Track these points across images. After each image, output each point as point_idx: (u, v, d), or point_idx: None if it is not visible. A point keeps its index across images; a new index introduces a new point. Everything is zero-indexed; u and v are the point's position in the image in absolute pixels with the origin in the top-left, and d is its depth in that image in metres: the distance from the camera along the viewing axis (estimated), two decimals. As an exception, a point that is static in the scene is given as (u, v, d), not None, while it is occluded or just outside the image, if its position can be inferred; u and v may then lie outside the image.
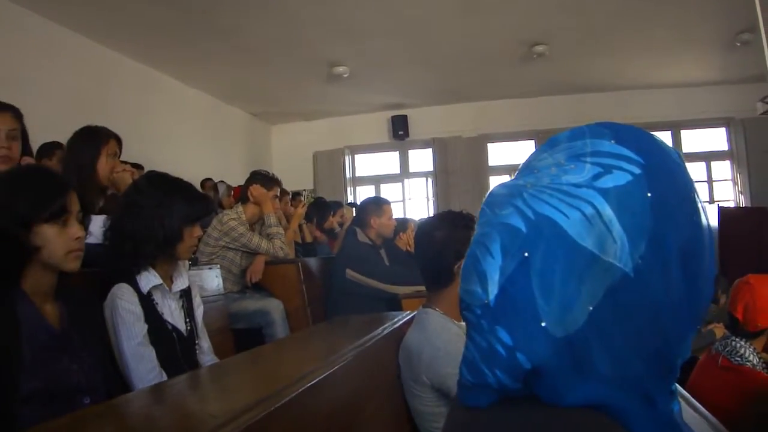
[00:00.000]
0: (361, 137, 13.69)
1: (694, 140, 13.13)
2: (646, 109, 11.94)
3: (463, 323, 0.93)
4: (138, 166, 6.19)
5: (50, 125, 4.77)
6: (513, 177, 0.97)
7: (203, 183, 9.18)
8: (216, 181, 9.71)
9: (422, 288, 3.10)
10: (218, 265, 4.64)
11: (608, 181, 0.84)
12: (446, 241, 2.72)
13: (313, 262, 5.97)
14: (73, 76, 7.72)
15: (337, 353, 2.15)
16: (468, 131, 13.16)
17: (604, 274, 0.82)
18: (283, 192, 7.24)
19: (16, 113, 3.52)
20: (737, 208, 11.83)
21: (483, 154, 13.39)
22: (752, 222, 8.80)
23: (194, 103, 10.96)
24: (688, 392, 2.44)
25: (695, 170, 12.68)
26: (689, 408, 2.07)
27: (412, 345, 2.75)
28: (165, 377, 2.72)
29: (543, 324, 0.81)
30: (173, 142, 9.83)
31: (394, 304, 5.18)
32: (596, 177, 0.85)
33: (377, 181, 14.15)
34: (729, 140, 12.89)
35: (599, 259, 0.82)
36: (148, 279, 2.87)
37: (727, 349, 3.20)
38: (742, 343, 3.16)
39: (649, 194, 0.84)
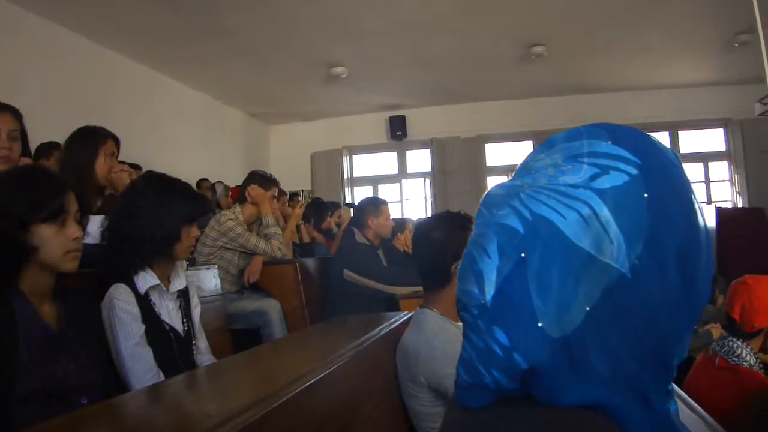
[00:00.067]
0: (359, 138, 13.69)
1: (691, 141, 13.13)
2: (644, 110, 11.94)
3: (461, 323, 0.93)
4: (136, 167, 6.20)
5: (48, 125, 4.78)
6: (510, 177, 0.98)
7: (199, 183, 9.16)
8: (213, 181, 9.70)
9: (420, 288, 3.09)
10: (216, 266, 4.65)
11: (605, 182, 0.84)
12: (444, 241, 2.72)
13: (310, 263, 5.97)
14: (72, 76, 7.72)
15: (334, 353, 2.15)
16: (466, 132, 13.16)
17: (600, 274, 0.82)
18: (281, 192, 7.24)
19: (16, 114, 3.52)
20: (735, 209, 11.86)
21: (481, 155, 13.39)
22: (750, 222, 8.84)
23: (192, 103, 10.96)
24: (685, 392, 2.44)
25: (693, 171, 12.69)
26: (686, 408, 2.08)
27: (410, 345, 2.75)
28: (162, 377, 2.72)
29: (540, 324, 0.81)
30: (171, 143, 9.82)
31: (392, 304, 5.18)
32: (593, 178, 0.85)
33: (375, 181, 14.15)
34: (727, 141, 12.89)
35: (596, 260, 0.82)
36: (146, 279, 2.87)
37: (724, 350, 3.20)
38: (739, 343, 3.17)
39: (645, 195, 0.84)
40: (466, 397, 0.92)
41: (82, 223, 2.37)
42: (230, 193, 9.21)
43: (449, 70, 10.77)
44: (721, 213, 8.72)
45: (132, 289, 2.80)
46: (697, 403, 2.18)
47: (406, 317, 3.21)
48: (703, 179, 12.97)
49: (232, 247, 5.20)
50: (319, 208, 8.46)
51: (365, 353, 2.42)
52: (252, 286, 5.39)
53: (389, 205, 6.08)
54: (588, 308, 0.82)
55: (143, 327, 2.77)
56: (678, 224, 0.85)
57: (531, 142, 12.87)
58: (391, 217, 6.04)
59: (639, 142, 0.89)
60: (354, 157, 14.18)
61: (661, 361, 0.86)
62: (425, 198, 13.81)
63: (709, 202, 12.40)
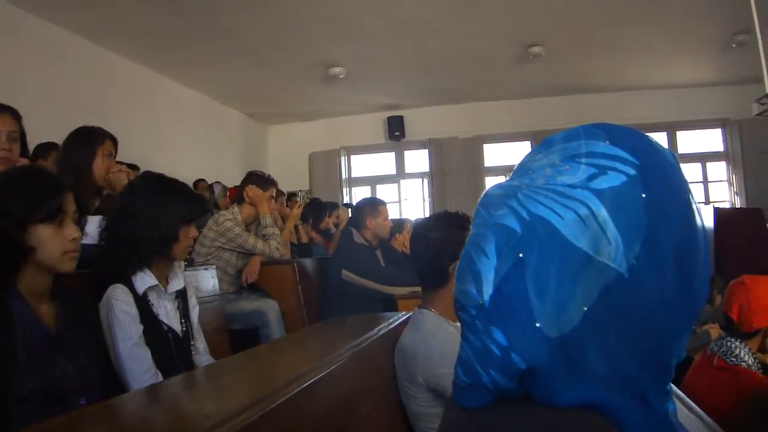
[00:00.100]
0: (357, 138, 13.70)
1: (689, 141, 13.16)
2: (642, 110, 11.95)
3: (459, 324, 0.93)
4: (134, 167, 6.19)
5: (46, 125, 4.78)
6: (508, 178, 0.98)
7: (196, 183, 9.15)
8: (211, 181, 9.70)
9: (418, 289, 3.10)
10: (214, 266, 4.65)
11: (603, 182, 0.84)
12: (442, 241, 2.73)
13: (308, 263, 5.97)
14: (70, 77, 7.72)
15: (332, 354, 2.15)
16: (464, 132, 13.17)
17: (598, 274, 0.82)
18: (279, 193, 7.25)
19: (15, 115, 3.53)
20: (733, 209, 11.85)
21: (479, 155, 13.40)
22: (748, 223, 8.82)
23: (190, 103, 10.96)
24: (683, 392, 2.44)
25: (691, 171, 12.72)
26: (684, 408, 2.08)
27: (408, 346, 2.75)
28: (160, 378, 2.72)
29: (537, 324, 0.81)
30: (169, 143, 9.83)
31: (390, 304, 5.18)
32: (591, 178, 0.85)
33: (373, 181, 14.16)
34: (725, 141, 12.92)
35: (594, 260, 0.82)
36: (144, 280, 2.86)
37: (722, 350, 3.20)
38: (738, 343, 3.16)
39: (643, 195, 0.84)
40: (464, 397, 0.92)
41: (80, 224, 2.37)
42: (228, 193, 9.21)
43: (447, 71, 10.78)
44: (719, 213, 8.70)
45: (130, 290, 2.80)
46: (695, 403, 2.18)
47: (404, 317, 3.21)
48: (701, 179, 13.00)
49: (230, 247, 5.20)
50: (317, 209, 8.46)
51: (363, 353, 2.42)
52: (250, 287, 5.39)
53: (387, 205, 6.08)
54: (586, 308, 0.82)
55: (141, 327, 2.77)
56: (676, 224, 0.85)
57: (529, 142, 12.90)
58: (390, 218, 6.04)
59: (637, 143, 0.89)
60: (352, 157, 14.20)
61: (659, 361, 0.86)
62: (423, 198, 13.83)
63: (707, 202, 12.42)
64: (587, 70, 11.03)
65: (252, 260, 5.35)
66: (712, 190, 13.04)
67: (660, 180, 0.86)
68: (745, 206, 12.02)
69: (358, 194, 13.66)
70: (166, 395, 1.81)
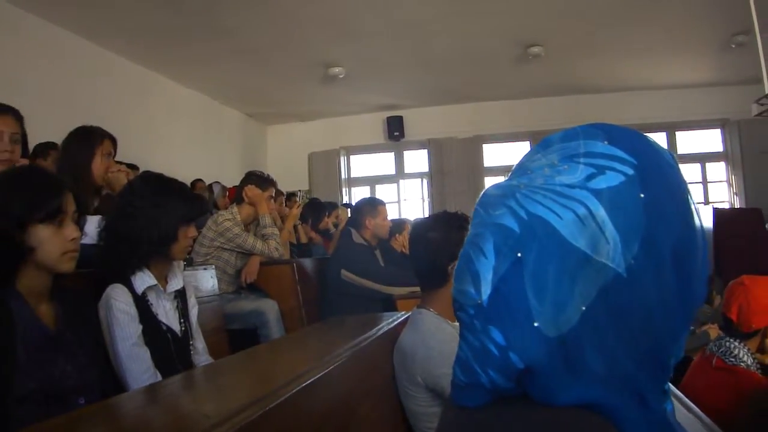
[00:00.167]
0: (357, 138, 13.69)
1: (689, 141, 13.15)
2: (642, 111, 11.96)
3: (458, 323, 0.93)
4: (133, 167, 6.19)
5: (45, 125, 4.77)
6: (507, 178, 0.98)
7: (194, 183, 9.13)
8: (211, 181, 9.69)
9: (417, 289, 3.10)
10: (213, 266, 4.66)
11: (601, 182, 0.84)
12: (440, 242, 2.73)
13: (308, 263, 5.98)
14: (69, 77, 7.72)
15: (331, 354, 2.15)
16: (463, 132, 13.17)
17: (596, 274, 0.82)
18: (278, 193, 7.25)
19: (17, 116, 3.52)
20: (732, 210, 11.86)
21: (478, 155, 13.40)
22: (747, 223, 8.82)
23: (190, 103, 10.95)
24: (682, 392, 2.44)
25: (690, 171, 12.72)
26: (683, 408, 2.08)
27: (407, 345, 2.75)
28: (160, 378, 2.72)
29: (536, 324, 0.81)
30: (168, 143, 9.83)
31: (389, 304, 5.18)
32: (589, 178, 0.85)
33: (373, 181, 14.16)
34: (724, 142, 12.92)
35: (592, 260, 0.82)
36: (143, 279, 2.86)
37: (721, 350, 3.20)
38: (737, 343, 3.17)
39: (642, 195, 0.84)
40: (462, 397, 0.92)
41: (80, 224, 2.37)
42: (227, 193, 9.19)
43: (447, 71, 10.78)
44: (718, 214, 8.70)
45: (129, 290, 2.80)
46: (693, 403, 2.18)
47: (403, 317, 3.21)
48: (700, 180, 13.00)
49: (229, 247, 5.20)
50: (316, 209, 8.46)
51: (362, 353, 2.42)
52: (249, 287, 5.40)
53: (387, 205, 6.09)
54: (584, 308, 0.82)
55: (140, 327, 2.77)
56: (674, 224, 0.85)
57: (528, 142, 12.90)
58: (389, 218, 6.04)
59: (635, 143, 0.89)
60: (351, 157, 14.20)
61: (658, 361, 0.87)
62: (423, 198, 13.83)
63: (706, 202, 12.42)
64: (587, 71, 11.03)
65: (251, 260, 5.35)
66: (712, 191, 13.04)
67: (658, 180, 0.86)
68: (744, 207, 12.02)
69: (358, 194, 13.65)
70: (165, 395, 1.82)
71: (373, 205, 5.93)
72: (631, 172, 0.85)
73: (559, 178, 0.87)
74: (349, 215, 7.49)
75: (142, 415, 1.58)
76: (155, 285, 2.91)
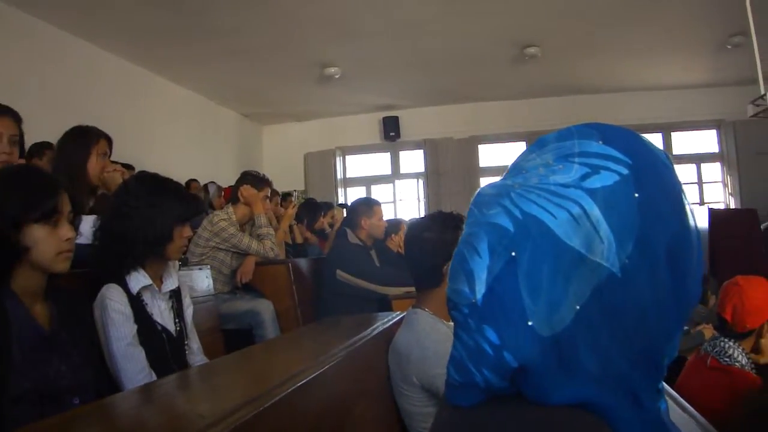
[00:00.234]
0: (353, 138, 13.69)
1: (684, 142, 13.16)
2: (638, 111, 11.97)
3: (453, 323, 0.93)
4: (129, 167, 6.18)
5: (41, 125, 4.76)
6: (502, 177, 0.98)
7: (189, 183, 9.08)
8: (206, 181, 9.67)
9: (412, 289, 3.10)
10: (208, 266, 4.65)
11: (596, 182, 0.85)
12: (436, 241, 2.73)
13: (303, 263, 5.98)
14: (64, 76, 7.70)
15: (327, 354, 2.15)
16: (459, 132, 13.17)
17: (591, 273, 0.82)
18: (274, 193, 7.24)
19: (16, 117, 3.51)
20: (727, 210, 11.86)
21: (474, 156, 13.41)
22: (742, 224, 8.83)
23: (185, 103, 10.94)
24: (676, 392, 2.45)
25: (686, 172, 12.75)
26: (678, 408, 2.09)
27: (402, 345, 2.75)
28: (154, 377, 2.72)
29: (530, 323, 0.82)
30: (164, 143, 9.81)
31: (385, 304, 5.19)
32: (584, 177, 0.85)
33: (368, 182, 14.15)
34: (719, 142, 12.93)
35: (586, 259, 0.82)
36: (138, 279, 2.86)
37: (716, 350, 3.21)
38: (731, 343, 3.18)
39: (636, 195, 0.84)
40: (456, 396, 0.92)
41: (75, 223, 2.37)
42: (223, 193, 9.18)
43: (443, 71, 10.78)
44: (713, 214, 8.70)
45: (124, 290, 2.80)
46: (688, 403, 2.19)
47: (398, 317, 3.21)
48: (695, 180, 13.02)
49: (224, 247, 5.20)
50: (312, 209, 8.46)
51: (357, 353, 2.42)
52: (245, 287, 5.39)
53: (382, 205, 6.09)
54: (578, 307, 0.82)
55: (135, 327, 2.77)
56: (668, 224, 0.85)
57: (524, 142, 12.87)
58: (385, 218, 6.05)
59: (630, 142, 0.90)
60: (347, 157, 14.19)
61: (652, 360, 0.87)
62: (418, 199, 13.82)
63: (701, 203, 12.43)
64: (583, 71, 11.04)
65: (246, 260, 5.35)
66: (707, 191, 13.06)
67: (653, 180, 0.86)
68: (739, 207, 12.03)
69: (353, 194, 13.60)
70: (160, 395, 1.81)
71: (368, 205, 5.94)
72: (625, 171, 0.85)
73: (554, 177, 0.87)
74: (345, 215, 7.50)
75: (137, 415, 1.57)
76: (150, 285, 2.91)
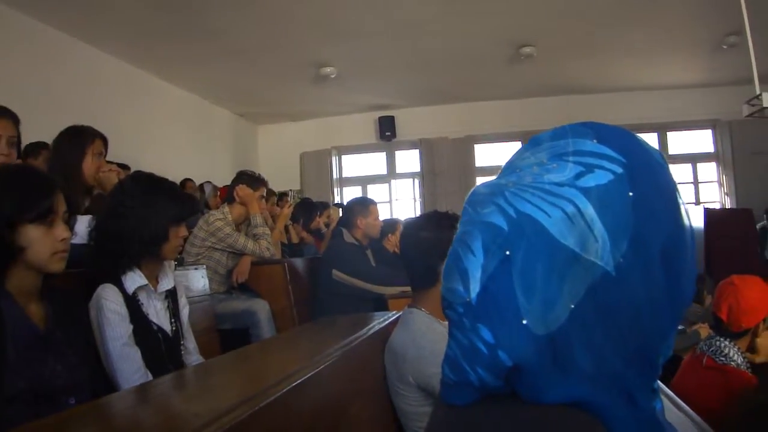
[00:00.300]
0: (348, 138, 13.69)
1: (680, 142, 13.19)
2: (633, 111, 11.97)
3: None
4: (124, 167, 6.18)
5: (36, 125, 4.75)
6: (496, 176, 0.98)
7: (184, 183, 9.07)
8: (202, 181, 9.66)
9: (408, 288, 3.10)
10: (204, 266, 4.66)
11: (590, 180, 0.84)
12: (432, 241, 2.72)
13: (299, 263, 5.98)
14: (60, 76, 7.69)
15: (322, 353, 2.15)
16: (455, 132, 13.18)
17: (585, 272, 0.82)
18: (270, 192, 7.25)
19: (15, 119, 3.52)
20: (723, 210, 11.90)
21: (470, 155, 13.42)
22: (738, 223, 8.86)
23: (181, 103, 10.94)
24: (672, 392, 2.45)
25: (681, 172, 12.77)
26: (673, 407, 2.09)
27: (398, 345, 2.75)
28: (150, 377, 2.72)
29: (524, 322, 0.81)
30: (160, 143, 9.80)
31: (381, 304, 5.19)
32: (578, 176, 0.85)
33: (364, 181, 14.16)
34: (715, 142, 12.96)
35: (581, 258, 0.82)
36: (134, 279, 2.86)
37: (711, 349, 3.22)
38: (727, 343, 3.18)
39: (630, 193, 0.84)
40: (451, 395, 0.92)
41: (70, 223, 2.36)
42: (219, 193, 9.17)
43: (438, 71, 10.79)
44: (709, 214, 8.73)
45: (120, 290, 2.79)
46: (684, 402, 2.19)
47: (394, 317, 3.21)
48: (691, 180, 13.05)
49: (220, 247, 5.20)
50: (308, 209, 8.47)
51: (353, 353, 2.42)
52: (241, 287, 5.40)
53: (378, 205, 6.09)
54: (572, 306, 0.82)
55: (131, 327, 2.77)
56: (663, 223, 0.85)
57: (520, 142, 12.83)
58: (381, 218, 6.05)
59: (624, 141, 0.90)
60: (343, 157, 14.20)
61: (646, 359, 0.87)
62: (414, 198, 13.84)
63: (697, 203, 12.47)
64: (579, 71, 11.05)
65: (242, 260, 5.35)
66: (703, 191, 13.09)
67: (647, 179, 0.87)
68: (735, 207, 12.07)
69: (349, 194, 13.63)
70: (155, 395, 1.81)
71: (364, 204, 5.94)
72: (620, 170, 0.85)
73: (548, 176, 0.87)
74: (341, 215, 7.50)
75: (133, 414, 1.58)
76: (146, 285, 2.91)
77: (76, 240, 2.63)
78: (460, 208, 0.98)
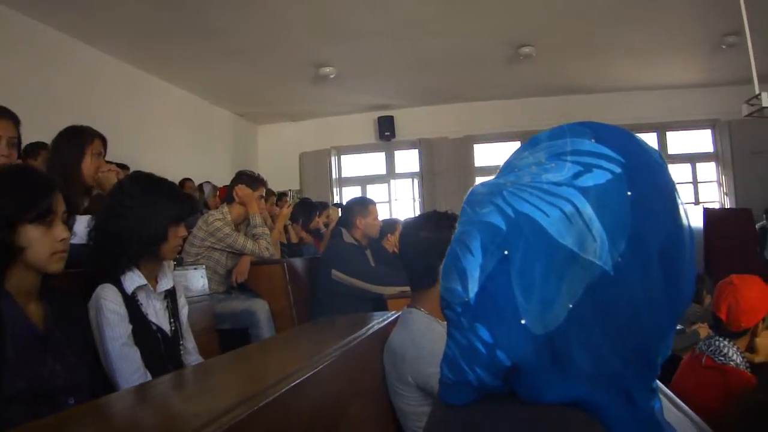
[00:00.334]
0: (348, 138, 13.69)
1: (679, 142, 13.19)
2: (632, 111, 11.98)
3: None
4: (124, 167, 6.17)
5: (35, 125, 4.75)
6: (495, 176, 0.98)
7: (183, 183, 9.06)
8: (201, 181, 9.66)
9: (407, 288, 3.10)
10: (204, 266, 4.66)
11: (588, 180, 0.85)
12: (431, 241, 2.72)
13: (298, 263, 5.98)
14: (59, 76, 7.69)
15: (321, 353, 2.15)
16: (454, 132, 13.18)
17: (583, 272, 0.82)
18: (269, 192, 7.25)
19: (15, 120, 3.51)
20: (722, 210, 11.90)
21: (469, 155, 13.41)
22: (737, 223, 8.86)
23: (180, 103, 10.94)
24: (671, 391, 2.45)
25: (680, 172, 12.77)
26: (673, 407, 2.09)
27: (397, 345, 2.75)
28: (149, 377, 2.72)
29: (523, 321, 0.81)
30: (159, 143, 9.80)
31: (380, 304, 5.19)
32: (576, 176, 0.85)
33: (363, 181, 14.16)
34: (714, 142, 12.96)
35: (579, 257, 0.82)
36: (133, 279, 2.86)
37: (710, 349, 3.22)
38: (726, 342, 3.18)
39: (629, 193, 0.84)
40: (449, 395, 0.92)
41: (69, 223, 2.36)
42: (218, 193, 9.17)
43: (438, 71, 10.79)
44: (708, 214, 8.73)
45: (119, 289, 2.79)
46: (683, 402, 2.19)
47: (393, 317, 3.21)
48: (690, 180, 13.05)
49: (219, 247, 5.20)
50: (307, 209, 8.46)
51: (352, 353, 2.42)
52: (240, 287, 5.40)
53: (377, 205, 6.09)
54: (571, 305, 0.82)
55: (130, 327, 2.76)
56: (661, 223, 0.85)
57: (519, 142, 12.78)
58: (380, 218, 6.05)
59: (623, 141, 0.90)
60: (342, 157, 14.20)
61: (645, 359, 0.87)
62: (414, 198, 13.84)
63: (696, 203, 12.47)
64: (578, 71, 11.05)
65: (242, 260, 5.35)
66: (702, 191, 13.09)
67: (646, 178, 0.86)
68: (734, 207, 12.07)
69: (348, 194, 13.63)
70: (155, 394, 1.81)
71: (363, 204, 5.94)
72: (618, 170, 0.85)
73: (546, 176, 0.87)
74: (340, 215, 7.50)
75: (132, 414, 1.57)
76: (145, 285, 2.91)
77: (75, 240, 2.63)
78: (459, 208, 0.98)
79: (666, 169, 0.91)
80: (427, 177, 13.40)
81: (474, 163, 13.43)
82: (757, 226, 9.74)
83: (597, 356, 0.83)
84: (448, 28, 8.85)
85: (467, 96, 12.58)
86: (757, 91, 6.58)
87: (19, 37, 7.15)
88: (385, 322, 3.11)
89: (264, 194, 5.78)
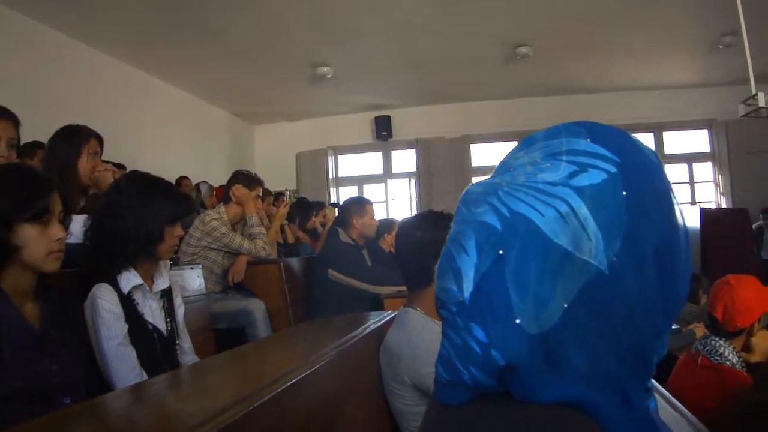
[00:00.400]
0: (345, 138, 13.70)
1: (676, 142, 13.21)
2: (629, 111, 12.00)
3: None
4: (120, 166, 6.16)
5: (32, 124, 4.75)
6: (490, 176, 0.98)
7: (179, 181, 9.04)
8: (198, 181, 9.65)
9: (404, 288, 3.10)
10: (200, 265, 4.65)
11: (584, 180, 0.84)
12: (427, 240, 2.72)
13: (295, 262, 5.98)
14: (56, 75, 7.69)
15: (318, 353, 2.15)
16: (451, 132, 13.19)
17: (578, 271, 0.82)
18: (266, 192, 7.24)
19: (15, 121, 3.50)
20: (719, 210, 11.90)
21: (466, 155, 13.43)
22: (733, 223, 8.85)
23: (177, 103, 10.94)
24: (667, 391, 2.45)
25: (677, 172, 12.80)
26: (669, 406, 2.09)
27: (393, 345, 2.75)
28: (145, 377, 2.71)
29: (517, 321, 0.81)
30: (156, 142, 9.80)
31: (377, 304, 5.19)
32: (572, 175, 0.85)
33: (360, 181, 14.17)
34: (711, 142, 12.99)
35: (574, 257, 0.82)
36: (129, 279, 2.86)
37: (706, 349, 3.22)
38: (722, 342, 3.18)
39: (624, 193, 0.84)
40: (444, 394, 0.92)
41: (65, 223, 2.36)
42: (215, 192, 9.16)
43: (435, 71, 10.80)
44: (705, 214, 8.72)
45: (115, 289, 2.79)
46: (679, 401, 2.20)
47: (389, 317, 3.21)
48: (687, 180, 13.07)
49: (216, 246, 5.20)
50: (304, 208, 8.46)
51: (348, 353, 2.42)
52: (236, 286, 5.40)
53: (374, 205, 6.09)
54: (566, 305, 0.82)
55: (126, 327, 2.76)
56: (656, 222, 0.85)
57: (516, 142, 12.75)
58: (377, 218, 6.05)
59: (618, 141, 0.90)
60: (339, 157, 14.22)
61: (640, 358, 0.87)
62: (410, 198, 13.85)
63: (693, 203, 12.48)
64: (574, 71, 11.07)
65: (238, 260, 5.35)
66: (699, 191, 13.11)
67: (641, 178, 0.87)
68: (731, 207, 12.08)
69: (345, 194, 13.61)
70: (150, 394, 1.81)
71: (360, 204, 5.94)
72: (613, 169, 0.86)
73: (542, 175, 0.87)
74: (337, 215, 7.50)
75: (128, 414, 1.57)
76: (141, 284, 2.91)
77: (71, 239, 2.63)
78: (456, 208, 0.98)
79: (662, 168, 0.91)
80: (424, 177, 13.41)
81: (471, 163, 13.44)
82: (753, 226, 9.76)
83: (592, 356, 0.83)
84: (445, 28, 8.86)
85: (464, 96, 12.59)
86: (753, 92, 6.59)
87: (19, 37, 7.16)
88: (382, 321, 3.11)
89: (261, 194, 5.77)
